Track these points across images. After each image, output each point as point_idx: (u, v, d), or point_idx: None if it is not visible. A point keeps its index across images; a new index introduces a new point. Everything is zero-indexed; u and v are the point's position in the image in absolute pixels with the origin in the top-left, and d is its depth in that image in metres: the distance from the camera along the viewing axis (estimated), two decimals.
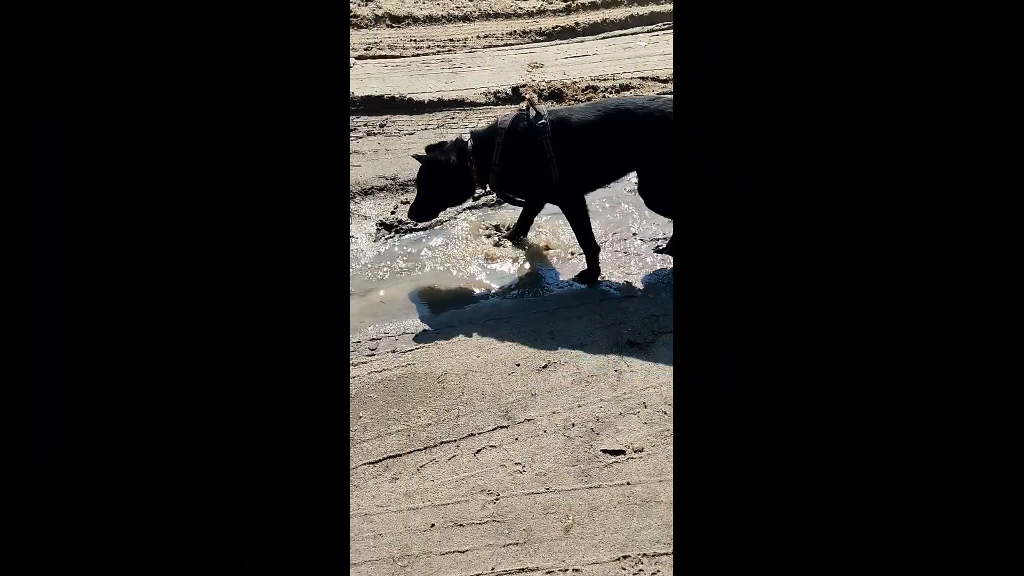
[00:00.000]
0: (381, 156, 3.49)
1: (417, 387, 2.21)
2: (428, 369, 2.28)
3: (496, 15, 5.09)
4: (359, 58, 4.43)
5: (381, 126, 3.74)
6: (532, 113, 2.60)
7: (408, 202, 3.20)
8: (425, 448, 2.00)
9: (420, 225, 2.94)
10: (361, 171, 3.35)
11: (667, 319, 2.46)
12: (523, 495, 1.86)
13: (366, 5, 4.94)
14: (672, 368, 2.20)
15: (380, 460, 1.97)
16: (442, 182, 2.65)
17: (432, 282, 2.73)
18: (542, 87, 4.00)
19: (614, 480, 1.89)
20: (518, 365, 2.31)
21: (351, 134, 3.70)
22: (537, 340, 2.41)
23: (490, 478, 1.91)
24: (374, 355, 2.34)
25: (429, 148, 2.72)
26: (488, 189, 2.70)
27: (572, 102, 3.94)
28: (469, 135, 2.68)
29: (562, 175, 2.59)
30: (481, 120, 3.83)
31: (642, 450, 1.98)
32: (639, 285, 2.65)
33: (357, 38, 4.64)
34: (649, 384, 2.20)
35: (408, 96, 3.93)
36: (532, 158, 2.57)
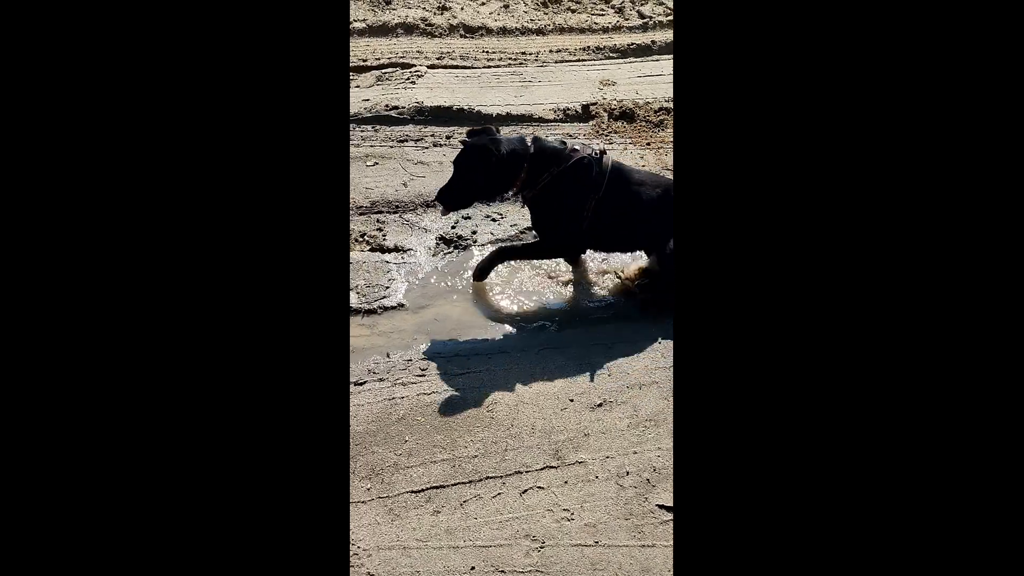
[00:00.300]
0: (446, 168, 3.44)
1: (466, 414, 2.13)
2: (478, 396, 2.20)
3: (571, 29, 5.01)
4: (431, 67, 4.42)
5: (448, 137, 3.70)
6: (598, 164, 2.54)
7: (470, 217, 3.15)
8: (470, 482, 1.91)
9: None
10: (424, 183, 3.31)
11: None
12: (570, 546, 1.75)
13: (441, 14, 4.94)
14: None
15: (423, 490, 1.89)
16: (485, 171, 2.51)
17: (489, 303, 2.65)
18: (613, 106, 3.89)
19: (670, 540, 1.76)
20: (572, 400, 2.20)
21: (418, 144, 3.69)
22: (593, 375, 2.29)
23: (536, 523, 1.80)
24: (424, 376, 2.28)
25: (472, 132, 2.61)
26: (519, 197, 2.62)
27: (643, 124, 3.82)
28: (533, 139, 2.58)
29: (585, 229, 2.57)
30: (548, 136, 3.74)
31: None
32: None
33: (431, 47, 4.64)
34: None
35: (476, 108, 3.88)
36: (570, 205, 2.53)
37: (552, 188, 2.53)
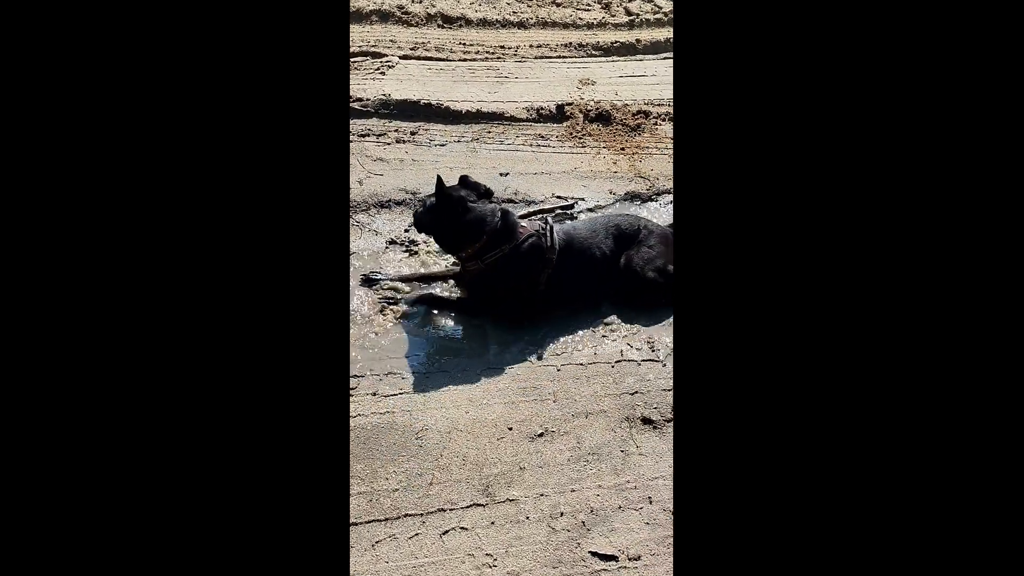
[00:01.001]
0: (407, 167, 3.26)
1: (391, 441, 1.96)
2: (408, 421, 2.03)
3: (554, 24, 4.81)
4: (404, 57, 4.22)
5: (412, 133, 3.52)
6: (548, 239, 2.43)
7: None
8: (386, 519, 1.74)
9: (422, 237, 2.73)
10: (382, 181, 3.13)
11: None
12: None
13: (420, 2, 4.74)
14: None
15: None
16: (450, 223, 2.42)
17: (435, 317, 2.47)
18: (589, 107, 3.70)
19: None
20: (510, 429, 2.03)
21: (379, 139, 3.49)
22: (536, 401, 2.12)
23: (453, 569, 1.63)
24: (352, 396, 2.10)
25: (463, 180, 2.48)
26: (466, 259, 2.45)
27: (620, 127, 3.63)
28: (503, 213, 2.42)
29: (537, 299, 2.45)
30: (519, 137, 3.56)
31: (639, 558, 1.68)
32: (664, 349, 2.32)
33: (405, 36, 4.43)
34: (659, 474, 1.89)
35: (445, 104, 3.69)
36: (522, 282, 2.42)
37: (503, 265, 2.38)
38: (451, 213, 2.39)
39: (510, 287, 2.42)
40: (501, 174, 3.23)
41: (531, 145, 3.49)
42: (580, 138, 3.54)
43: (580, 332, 2.37)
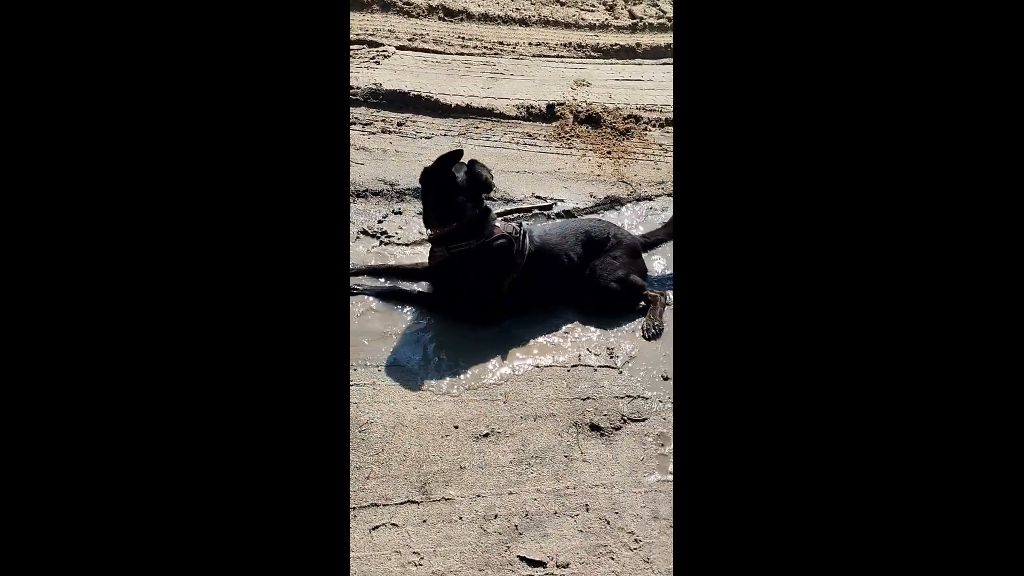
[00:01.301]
0: (388, 157, 3.25)
1: None
2: (353, 413, 2.02)
3: (555, 23, 4.77)
4: (400, 48, 4.21)
5: (399, 124, 3.50)
6: (519, 244, 2.41)
7: (401, 212, 2.96)
8: None
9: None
10: (362, 171, 3.12)
11: (642, 403, 2.12)
12: None
13: None
14: (629, 470, 1.87)
15: None
16: (434, 192, 2.41)
17: (397, 311, 2.45)
18: (580, 109, 3.67)
19: None
20: (456, 428, 2.02)
21: (365, 128, 3.48)
22: (487, 401, 2.11)
23: (377, 566, 1.63)
24: None
25: (472, 165, 2.45)
26: (434, 241, 2.44)
27: (609, 130, 3.61)
28: (484, 208, 2.40)
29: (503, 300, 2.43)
30: (506, 135, 3.54)
31: (567, 566, 1.66)
32: (623, 357, 2.30)
33: (404, 26, 4.41)
34: (600, 482, 1.87)
35: (436, 97, 3.67)
36: (485, 280, 2.39)
37: (468, 260, 2.36)
38: (441, 186, 2.37)
39: (471, 283, 2.40)
40: None
41: (517, 143, 3.47)
42: (568, 139, 3.51)
43: (541, 336, 2.36)
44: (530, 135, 3.57)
